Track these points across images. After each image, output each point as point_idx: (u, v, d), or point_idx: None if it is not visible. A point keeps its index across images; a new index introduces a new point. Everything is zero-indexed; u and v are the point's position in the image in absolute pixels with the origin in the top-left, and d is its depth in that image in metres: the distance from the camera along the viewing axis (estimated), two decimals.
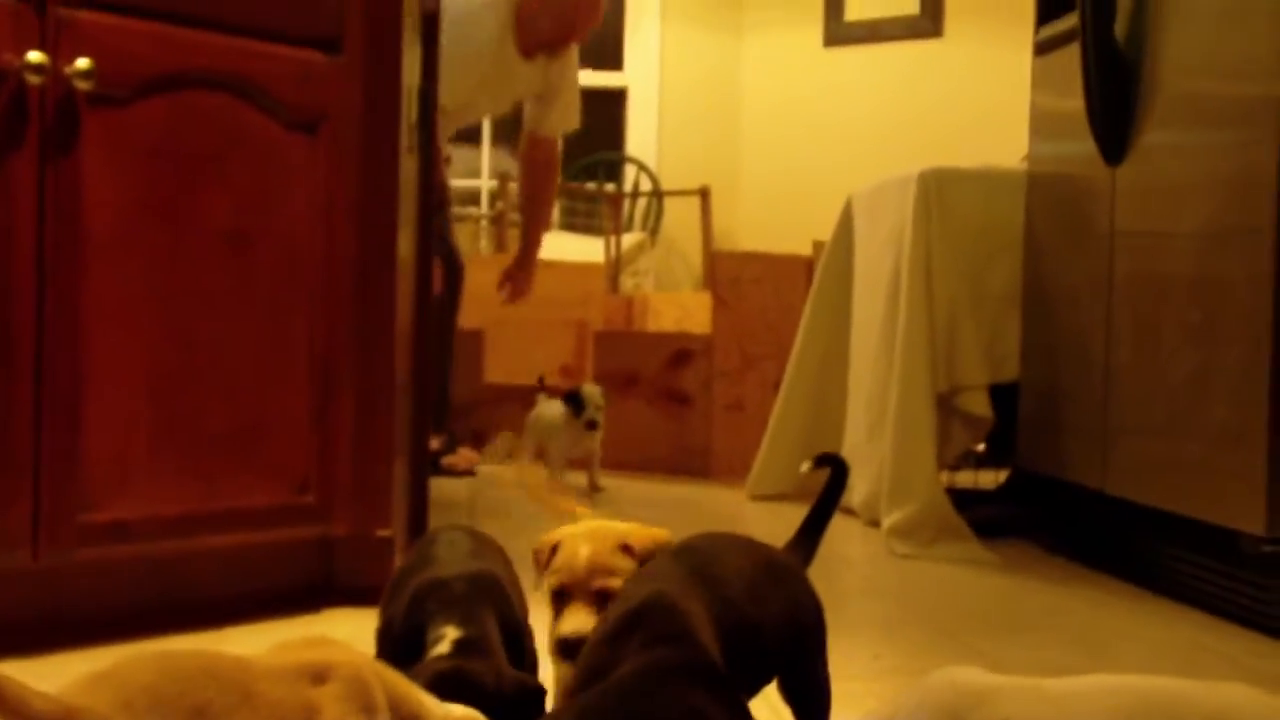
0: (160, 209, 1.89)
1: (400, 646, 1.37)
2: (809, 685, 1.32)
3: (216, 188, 1.95)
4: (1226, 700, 1.01)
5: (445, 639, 1.33)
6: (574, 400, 3.62)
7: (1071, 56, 2.77)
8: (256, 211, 2.00)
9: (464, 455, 4.01)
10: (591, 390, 3.68)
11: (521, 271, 4.06)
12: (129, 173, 1.86)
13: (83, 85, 1.78)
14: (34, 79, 1.74)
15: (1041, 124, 3.10)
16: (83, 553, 1.85)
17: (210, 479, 1.97)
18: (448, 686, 1.24)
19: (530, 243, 4.06)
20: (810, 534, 1.44)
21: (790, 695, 1.32)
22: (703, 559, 1.28)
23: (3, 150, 1.74)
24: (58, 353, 1.81)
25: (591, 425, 3.60)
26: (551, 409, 3.76)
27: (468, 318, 4.34)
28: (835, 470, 1.48)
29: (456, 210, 5.86)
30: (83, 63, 1.78)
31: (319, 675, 1.11)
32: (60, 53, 1.78)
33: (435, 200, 3.06)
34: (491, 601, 1.41)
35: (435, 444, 3.55)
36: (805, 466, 1.55)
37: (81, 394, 1.83)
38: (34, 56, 1.73)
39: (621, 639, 1.16)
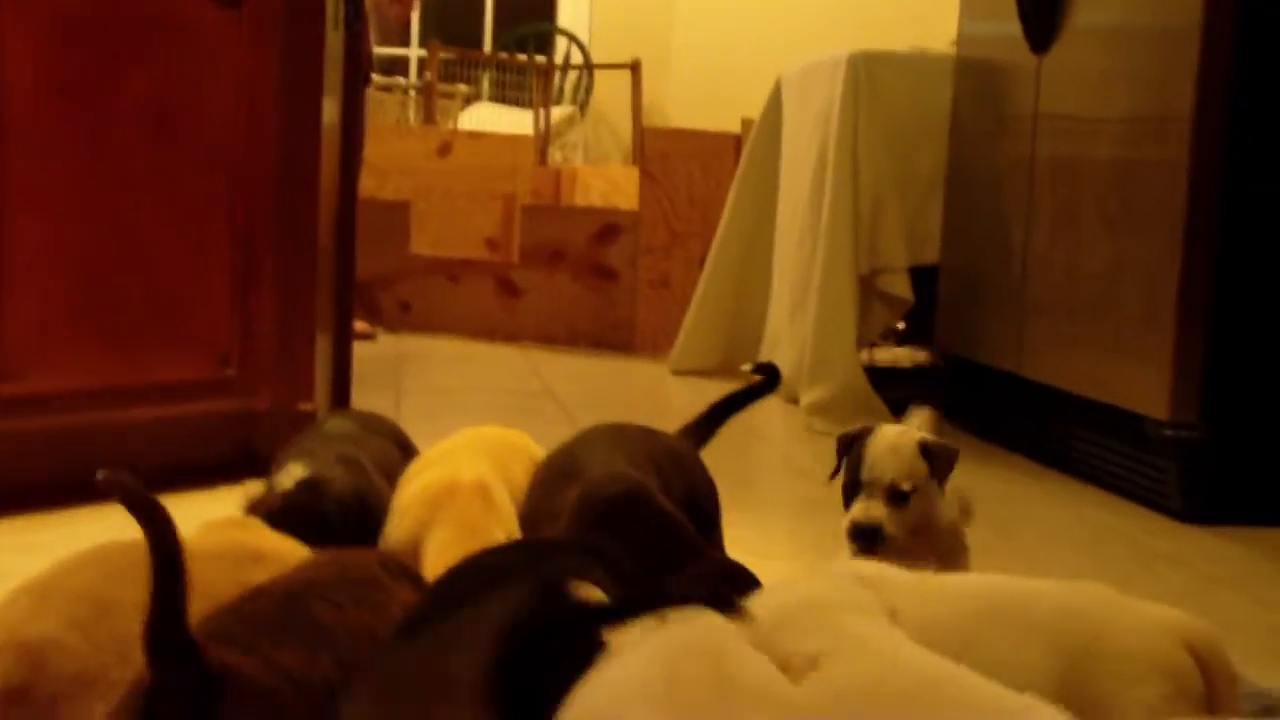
0: (81, 89, 1.88)
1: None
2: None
3: (138, 66, 1.93)
4: (1076, 598, 1.08)
5: (290, 475, 1.40)
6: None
7: None
8: (179, 89, 1.98)
9: (359, 325, 3.97)
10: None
11: None
12: (48, 51, 1.84)
13: None
14: None
15: (971, 8, 3.10)
16: (2, 424, 1.86)
17: (132, 354, 1.98)
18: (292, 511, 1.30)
19: None
20: (710, 422, 1.47)
21: None
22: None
23: None
24: None
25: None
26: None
27: (395, 189, 4.29)
28: (766, 380, 1.51)
29: (382, 79, 5.76)
30: None
31: (255, 558, 1.14)
32: None
33: (363, 72, 3.00)
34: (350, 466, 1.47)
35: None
36: (747, 368, 1.59)
37: (1, 273, 1.84)
38: None
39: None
